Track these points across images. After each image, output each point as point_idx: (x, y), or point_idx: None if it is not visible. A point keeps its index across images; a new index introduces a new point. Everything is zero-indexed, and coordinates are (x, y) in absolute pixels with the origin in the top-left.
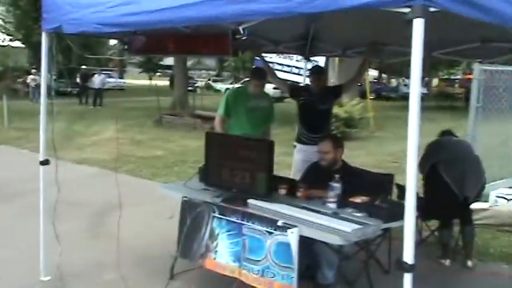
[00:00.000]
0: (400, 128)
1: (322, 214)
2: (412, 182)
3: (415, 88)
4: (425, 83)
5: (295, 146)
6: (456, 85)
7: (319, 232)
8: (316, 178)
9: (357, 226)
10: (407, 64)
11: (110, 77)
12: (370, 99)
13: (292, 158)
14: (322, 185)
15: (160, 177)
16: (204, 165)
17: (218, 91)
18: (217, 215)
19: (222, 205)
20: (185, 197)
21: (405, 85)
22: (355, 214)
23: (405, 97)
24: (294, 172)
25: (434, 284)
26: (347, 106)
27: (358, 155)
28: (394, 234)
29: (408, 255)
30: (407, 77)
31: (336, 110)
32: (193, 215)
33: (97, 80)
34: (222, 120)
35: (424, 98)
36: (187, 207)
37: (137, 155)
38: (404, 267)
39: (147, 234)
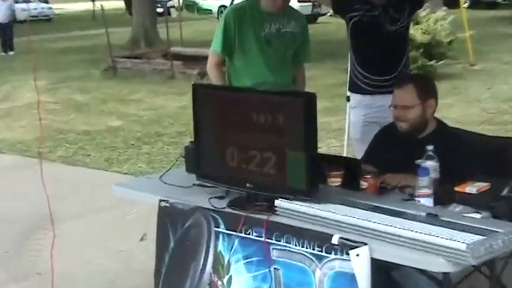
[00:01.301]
0: None
1: (409, 218)
2: None
3: None
4: None
5: (348, 99)
6: None
7: (407, 252)
8: (391, 154)
9: (475, 237)
10: None
11: (26, 1)
12: (464, 8)
13: (341, 120)
14: (403, 165)
15: (120, 166)
16: (192, 143)
17: (207, 12)
18: (223, 230)
19: (230, 212)
20: (164, 200)
21: None
22: (468, 215)
23: None
24: (354, 144)
25: None
26: (427, 23)
27: (450, 106)
28: None
29: None
30: None
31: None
32: (182, 231)
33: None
34: (220, 62)
35: None
36: (169, 217)
37: (79, 130)
38: None
39: (102, 267)
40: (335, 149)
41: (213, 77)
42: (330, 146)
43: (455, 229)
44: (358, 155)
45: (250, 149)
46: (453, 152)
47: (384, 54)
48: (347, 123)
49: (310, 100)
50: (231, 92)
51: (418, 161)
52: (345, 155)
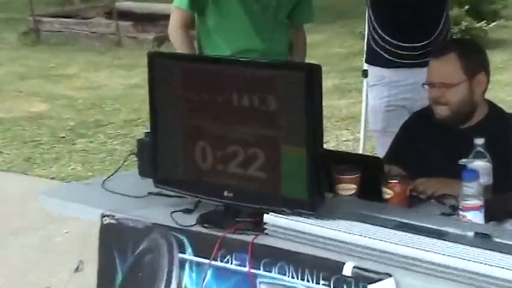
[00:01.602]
0: None
1: (451, 240)
2: None
3: None
4: None
5: (365, 74)
6: None
7: (447, 287)
8: (425, 150)
9: None
10: None
11: None
12: None
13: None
14: (442, 166)
15: (45, 167)
16: (148, 135)
17: None
18: (191, 257)
19: (201, 232)
20: (108, 215)
21: None
22: None
23: None
24: (373, 138)
25: None
26: None
27: (507, 84)
28: None
29: None
30: None
31: None
32: (133, 258)
33: None
34: (186, 23)
35: None
36: (116, 238)
37: None
38: None
39: None
40: (347, 144)
41: (177, 43)
42: (341, 139)
43: None
44: (380, 151)
45: (229, 143)
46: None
47: (414, 12)
48: (363, 107)
49: (313, 74)
50: (202, 64)
51: (463, 161)
52: (361, 151)
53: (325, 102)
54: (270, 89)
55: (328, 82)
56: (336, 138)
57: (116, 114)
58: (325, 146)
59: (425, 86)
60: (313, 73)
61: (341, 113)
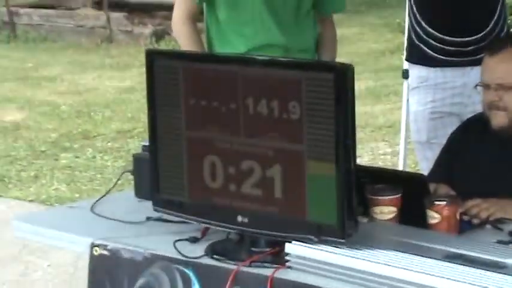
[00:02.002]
0: None
1: (511, 274)
2: None
3: None
4: None
5: (405, 74)
6: None
7: None
8: (478, 166)
9: None
10: None
11: None
12: None
13: (395, 110)
14: (499, 184)
15: (22, 188)
16: (146, 149)
17: None
18: None
19: (210, 265)
20: (100, 244)
21: None
22: None
23: None
24: (417, 151)
25: None
26: None
27: None
28: None
29: None
30: None
31: None
32: None
33: None
34: (193, 15)
35: None
36: (109, 272)
37: None
38: None
39: None
40: (385, 158)
41: (183, 38)
42: (377, 152)
43: None
44: (423, 167)
45: (243, 158)
46: None
47: (464, 0)
48: (404, 115)
49: (344, 76)
50: (210, 64)
51: None
52: (401, 167)
53: (358, 109)
54: (293, 93)
55: (361, 84)
56: (371, 152)
57: (107, 124)
58: (358, 160)
59: (479, 88)
60: (344, 74)
61: (377, 121)
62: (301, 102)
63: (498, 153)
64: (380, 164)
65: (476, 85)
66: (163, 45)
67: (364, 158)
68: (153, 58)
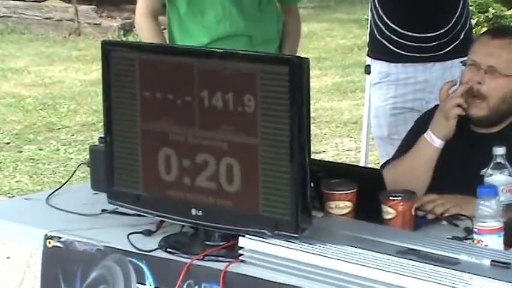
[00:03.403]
0: None
1: (464, 270)
2: None
3: None
4: None
5: (367, 70)
6: None
7: None
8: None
9: None
10: None
11: None
12: None
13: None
14: (453, 180)
15: None
16: (102, 141)
17: None
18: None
19: (164, 258)
20: (54, 236)
21: None
22: None
23: None
24: (377, 143)
25: None
26: None
27: None
28: None
29: None
30: None
31: None
32: (85, 287)
33: None
34: (155, 9)
35: None
36: (62, 264)
37: None
38: None
39: None
40: (349, 154)
41: (144, 32)
42: (342, 148)
43: None
44: (382, 160)
45: (198, 151)
46: None
47: None
48: (366, 110)
49: (299, 69)
50: (168, 56)
51: (482, 172)
52: (362, 163)
53: (324, 104)
54: (248, 86)
55: (327, 80)
56: (335, 147)
57: (72, 117)
58: (322, 156)
59: (462, 66)
60: (299, 67)
61: (342, 117)
62: (256, 95)
63: (456, 145)
64: (344, 159)
65: (462, 61)
66: (131, 39)
67: (328, 153)
68: (109, 49)
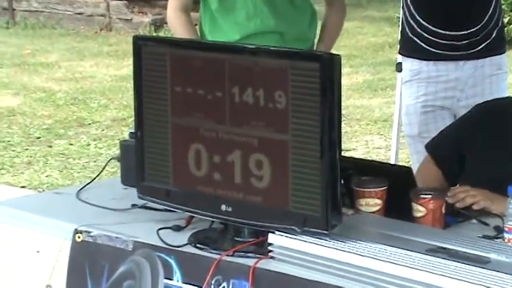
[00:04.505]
0: None
1: (492, 268)
2: None
3: None
4: None
5: (398, 68)
6: None
7: None
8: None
9: None
10: None
11: None
12: None
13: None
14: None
15: (15, 174)
16: (133, 137)
17: None
18: (178, 283)
19: (193, 254)
20: (82, 231)
21: None
22: None
23: None
24: (407, 142)
25: None
26: None
27: None
28: None
29: None
30: None
31: None
32: (111, 282)
33: None
34: (186, 6)
35: None
36: (90, 259)
37: None
38: None
39: None
40: (379, 152)
41: (176, 28)
42: (371, 146)
43: None
44: (414, 161)
45: (228, 147)
46: None
47: None
48: (397, 108)
49: (330, 66)
50: (199, 51)
51: None
52: (392, 161)
53: (354, 102)
54: (279, 83)
55: (358, 78)
56: (365, 145)
57: (103, 112)
58: (352, 154)
59: None
60: (331, 64)
61: (373, 114)
62: (287, 91)
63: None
64: (374, 157)
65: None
66: (162, 35)
67: (358, 151)
68: (140, 44)
